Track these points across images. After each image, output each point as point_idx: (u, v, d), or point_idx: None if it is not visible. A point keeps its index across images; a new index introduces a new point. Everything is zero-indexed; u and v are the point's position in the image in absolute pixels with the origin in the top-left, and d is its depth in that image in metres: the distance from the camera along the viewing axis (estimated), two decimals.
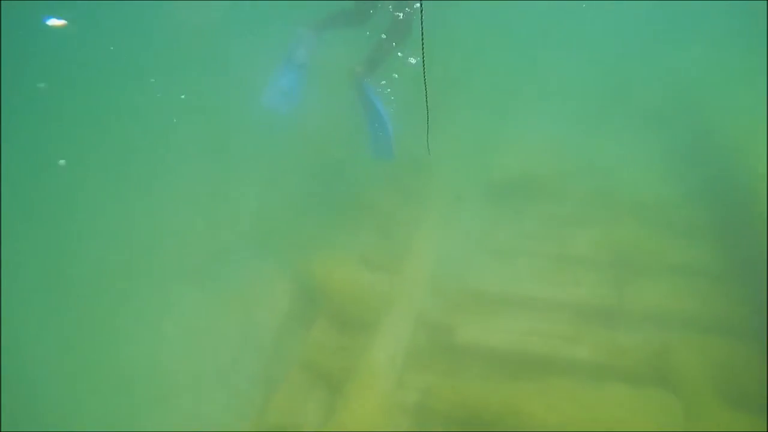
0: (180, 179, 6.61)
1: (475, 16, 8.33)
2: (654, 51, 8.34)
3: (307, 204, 6.03)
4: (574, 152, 6.18)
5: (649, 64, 7.96)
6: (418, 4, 4.02)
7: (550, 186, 5.74)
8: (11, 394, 3.98)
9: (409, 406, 3.64)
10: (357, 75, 4.57)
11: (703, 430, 3.15)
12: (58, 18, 7.22)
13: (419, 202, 5.70)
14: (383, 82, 5.24)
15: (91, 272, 5.32)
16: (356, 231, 5.47)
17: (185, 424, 3.75)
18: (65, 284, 5.15)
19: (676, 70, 7.41)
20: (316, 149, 6.75)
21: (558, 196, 5.62)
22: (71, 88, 7.68)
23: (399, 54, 4.66)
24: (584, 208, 5.41)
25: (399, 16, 4.42)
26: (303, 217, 5.81)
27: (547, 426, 3.29)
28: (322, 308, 4.50)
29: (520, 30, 9.84)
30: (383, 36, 4.52)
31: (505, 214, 5.47)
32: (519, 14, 9.75)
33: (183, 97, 7.54)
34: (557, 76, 8.22)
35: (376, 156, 5.04)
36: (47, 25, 7.31)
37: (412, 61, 4.96)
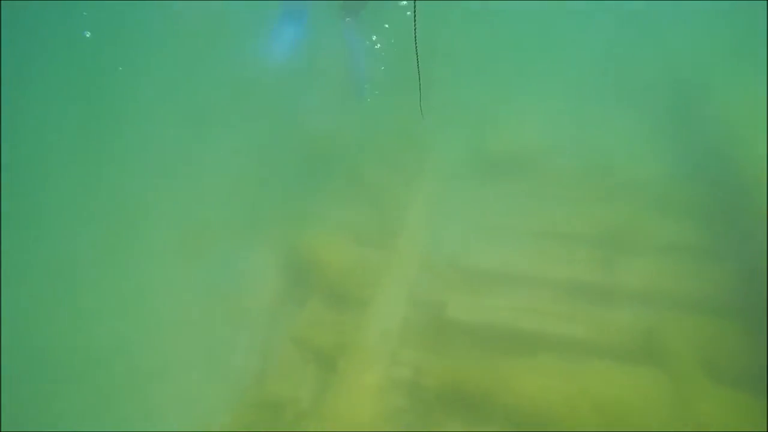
0: (164, 154, 6.47)
1: None
2: (651, 28, 8.24)
3: (298, 178, 5.95)
4: (568, 129, 6.14)
5: (645, 42, 7.87)
6: None
7: (543, 163, 5.72)
8: (11, 394, 3.95)
9: (402, 382, 3.67)
10: (340, 13, 4.55)
11: (690, 405, 3.23)
12: None
13: (412, 178, 5.65)
14: (374, 37, 5.18)
15: (78, 257, 5.24)
16: (348, 206, 5.42)
17: (178, 401, 3.75)
18: (54, 274, 5.08)
19: (671, 47, 7.34)
20: (306, 121, 6.63)
21: (550, 173, 5.61)
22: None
23: None
24: (577, 185, 5.40)
25: None
26: (294, 191, 5.74)
27: (537, 401, 3.34)
28: (314, 284, 4.49)
29: (516, 5, 9.65)
30: None
31: (498, 190, 5.45)
32: None
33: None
34: (553, 52, 8.11)
35: (355, 94, 5.19)
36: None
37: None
